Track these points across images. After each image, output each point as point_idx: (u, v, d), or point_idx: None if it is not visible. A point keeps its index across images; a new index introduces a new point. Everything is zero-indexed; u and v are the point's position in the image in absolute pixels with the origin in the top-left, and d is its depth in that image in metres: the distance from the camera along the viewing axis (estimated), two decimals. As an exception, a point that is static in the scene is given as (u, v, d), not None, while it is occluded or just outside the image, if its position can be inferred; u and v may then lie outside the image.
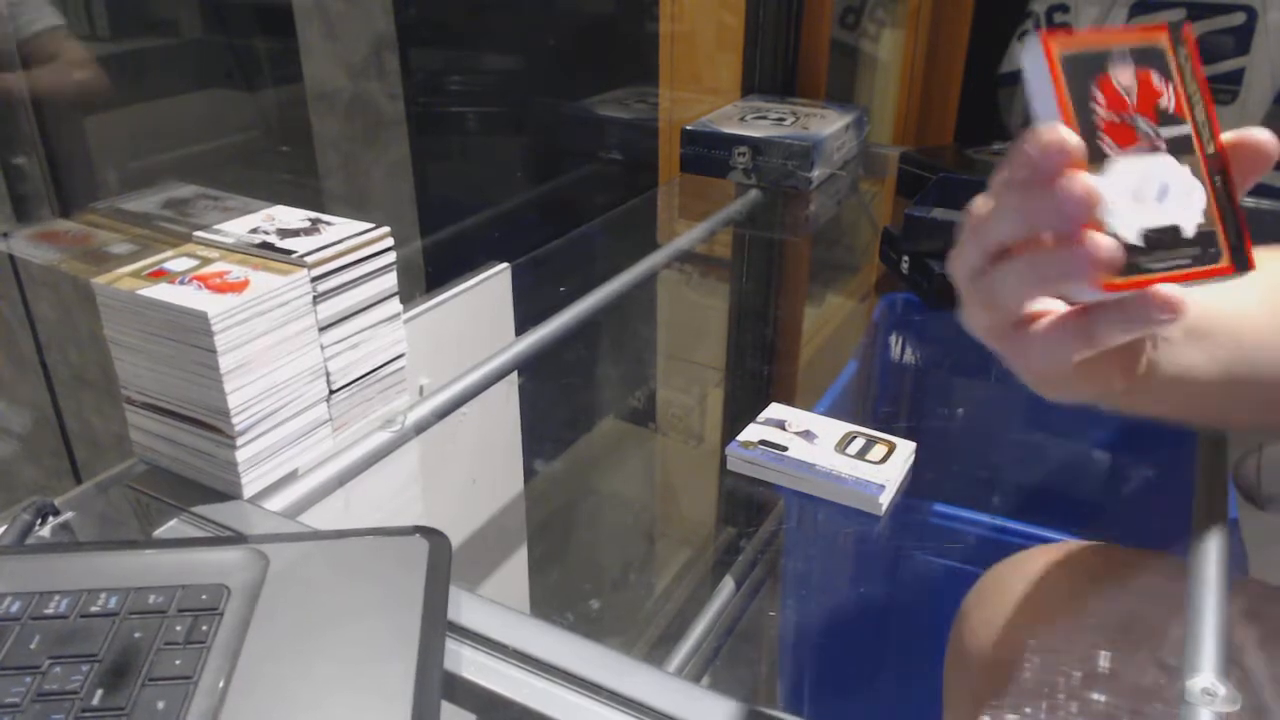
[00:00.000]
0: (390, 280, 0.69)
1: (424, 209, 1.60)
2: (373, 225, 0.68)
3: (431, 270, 1.43)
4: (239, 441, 0.60)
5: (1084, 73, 0.41)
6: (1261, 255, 0.49)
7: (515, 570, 1.09)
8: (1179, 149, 0.41)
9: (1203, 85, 0.42)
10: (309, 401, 0.65)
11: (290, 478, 0.65)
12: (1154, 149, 0.41)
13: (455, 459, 0.93)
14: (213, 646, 0.46)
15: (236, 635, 0.47)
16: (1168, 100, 0.41)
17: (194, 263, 0.63)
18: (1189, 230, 0.41)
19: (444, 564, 0.53)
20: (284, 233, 0.66)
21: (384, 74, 1.40)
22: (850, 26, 1.54)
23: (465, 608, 0.53)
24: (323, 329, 0.64)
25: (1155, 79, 0.41)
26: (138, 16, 1.64)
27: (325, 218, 0.69)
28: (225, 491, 0.62)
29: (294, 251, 0.63)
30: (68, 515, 0.61)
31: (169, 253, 0.65)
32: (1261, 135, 0.41)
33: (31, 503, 0.60)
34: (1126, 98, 0.41)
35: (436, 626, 0.48)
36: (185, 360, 0.59)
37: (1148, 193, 0.41)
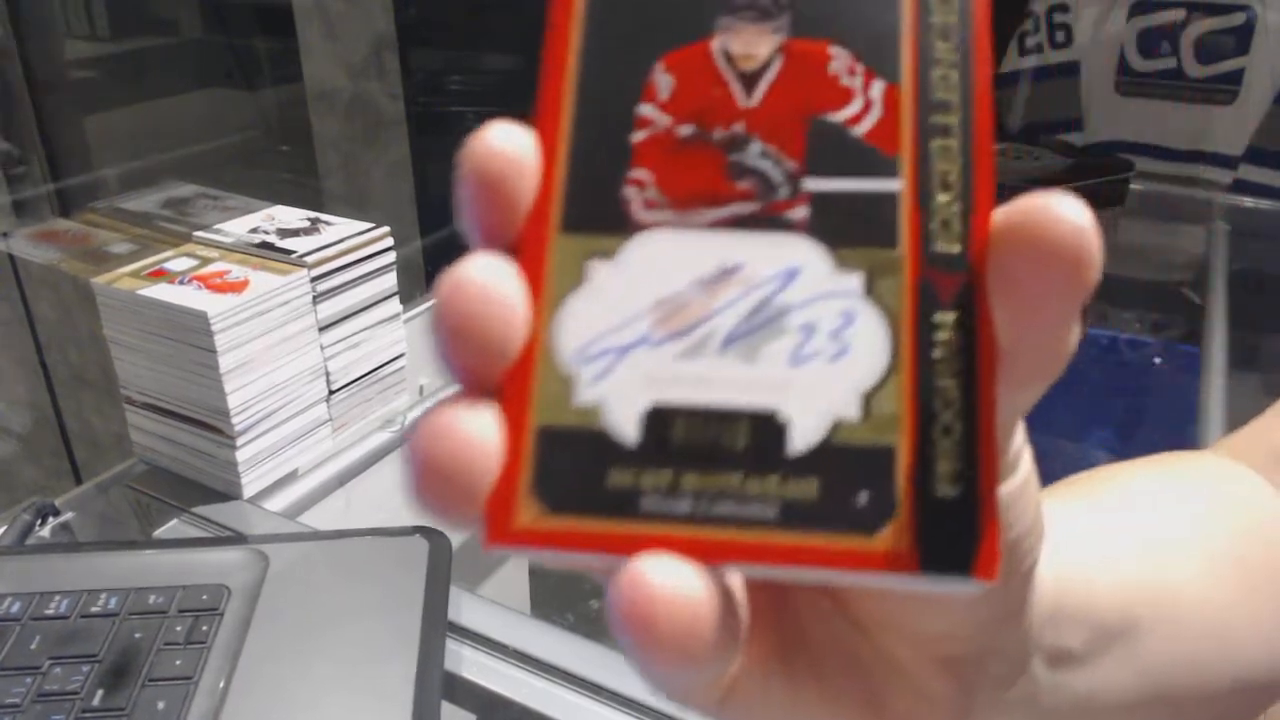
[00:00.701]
0: (390, 280, 0.69)
1: (424, 209, 1.60)
2: (372, 225, 0.68)
3: (431, 270, 1.43)
4: (239, 441, 0.60)
5: (643, 23, 0.19)
6: (1180, 473, 0.34)
7: (515, 570, 1.09)
8: (848, 231, 0.17)
9: (981, 85, 0.18)
10: (309, 401, 0.65)
11: (290, 478, 0.65)
12: (764, 219, 0.18)
13: (455, 459, 0.93)
14: (213, 647, 0.46)
15: (237, 635, 0.47)
16: (864, 109, 0.18)
17: (194, 262, 0.63)
18: (805, 436, 0.16)
19: (444, 564, 0.53)
20: (284, 232, 0.66)
21: (384, 74, 1.40)
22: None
23: (465, 608, 0.53)
24: (323, 329, 0.64)
25: (837, 59, 0.18)
26: (137, 16, 1.64)
27: (325, 218, 0.69)
28: (225, 491, 0.62)
29: (294, 251, 0.63)
30: (68, 515, 0.61)
31: (169, 252, 0.65)
32: (1067, 218, 0.16)
33: (31, 503, 0.60)
34: (734, 91, 0.18)
35: (437, 627, 0.48)
36: (185, 360, 0.59)
37: (697, 322, 0.17)
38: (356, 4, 1.37)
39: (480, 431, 0.16)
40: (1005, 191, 0.16)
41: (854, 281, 0.17)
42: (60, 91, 1.38)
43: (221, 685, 0.45)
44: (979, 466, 0.16)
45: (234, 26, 1.66)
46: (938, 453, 0.16)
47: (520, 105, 0.19)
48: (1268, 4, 1.15)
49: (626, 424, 0.17)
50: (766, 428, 0.17)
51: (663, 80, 0.18)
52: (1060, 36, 1.27)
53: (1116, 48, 1.24)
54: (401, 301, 0.71)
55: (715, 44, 0.18)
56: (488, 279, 0.17)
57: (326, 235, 0.66)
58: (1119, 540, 0.28)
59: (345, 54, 1.40)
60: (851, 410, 0.16)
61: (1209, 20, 1.18)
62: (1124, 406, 0.96)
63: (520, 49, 1.68)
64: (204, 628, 0.47)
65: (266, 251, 0.64)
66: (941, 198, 0.17)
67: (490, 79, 1.72)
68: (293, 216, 0.69)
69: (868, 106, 0.18)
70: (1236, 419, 0.72)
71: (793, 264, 0.17)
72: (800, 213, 0.18)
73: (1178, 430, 0.72)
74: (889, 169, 0.18)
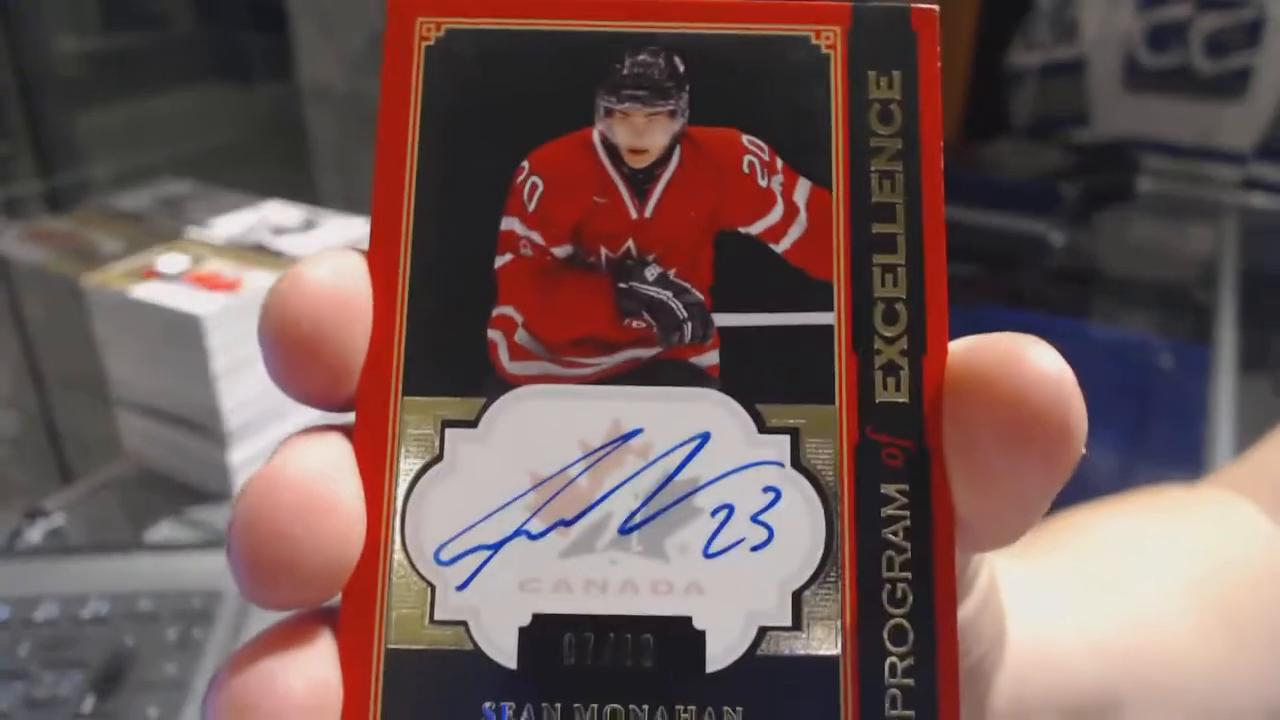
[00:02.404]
0: (387, 278, 0.69)
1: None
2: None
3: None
4: (231, 444, 0.60)
5: (501, 107, 0.15)
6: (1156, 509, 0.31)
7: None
8: (770, 380, 0.14)
9: (932, 183, 0.14)
10: (304, 402, 0.64)
11: (285, 480, 0.65)
12: (666, 367, 0.14)
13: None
14: (205, 652, 0.46)
15: (229, 641, 0.47)
16: (785, 218, 0.14)
17: (186, 261, 0.62)
18: (725, 649, 0.14)
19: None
20: (278, 231, 0.66)
21: (379, 70, 1.39)
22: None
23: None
24: (318, 328, 0.64)
25: (752, 152, 0.15)
26: (128, 12, 1.63)
27: (319, 215, 0.69)
28: (217, 494, 0.62)
29: (288, 250, 0.63)
30: (58, 519, 0.61)
31: (161, 251, 0.64)
32: (1045, 371, 0.13)
33: (21, 506, 0.60)
34: (623, 197, 0.15)
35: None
36: (177, 361, 0.59)
37: (585, 507, 0.14)
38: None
39: (311, 674, 0.13)
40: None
41: (779, 447, 0.14)
42: (51, 88, 1.37)
43: (215, 694, 0.44)
44: (938, 678, 0.13)
45: (227, 22, 1.66)
46: (887, 664, 0.13)
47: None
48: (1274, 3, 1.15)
49: (502, 642, 0.13)
50: (678, 641, 0.13)
51: (530, 184, 0.14)
52: (1067, 32, 1.27)
53: (1124, 43, 1.24)
54: (398, 300, 0.70)
55: (596, 134, 0.15)
56: (308, 476, 0.13)
57: (321, 233, 0.66)
58: (1098, 608, 0.26)
59: (340, 50, 1.39)
60: (781, 614, 0.13)
61: (1217, 15, 1.17)
62: (1132, 407, 0.96)
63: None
64: (196, 633, 0.47)
65: (260, 250, 0.64)
66: (886, 332, 0.14)
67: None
68: (287, 214, 0.69)
69: (790, 215, 0.14)
70: (1246, 419, 0.72)
71: (702, 426, 0.14)
72: (710, 358, 0.14)
73: (1186, 431, 0.71)
74: (819, 298, 0.14)
